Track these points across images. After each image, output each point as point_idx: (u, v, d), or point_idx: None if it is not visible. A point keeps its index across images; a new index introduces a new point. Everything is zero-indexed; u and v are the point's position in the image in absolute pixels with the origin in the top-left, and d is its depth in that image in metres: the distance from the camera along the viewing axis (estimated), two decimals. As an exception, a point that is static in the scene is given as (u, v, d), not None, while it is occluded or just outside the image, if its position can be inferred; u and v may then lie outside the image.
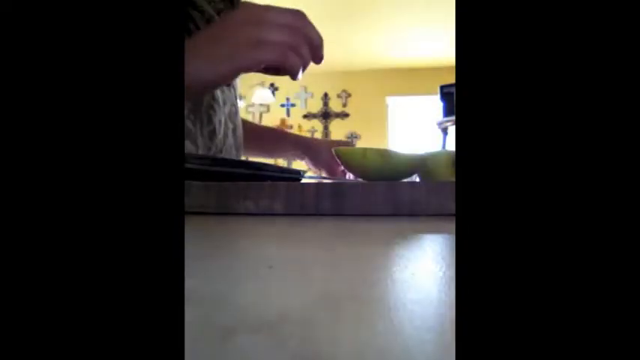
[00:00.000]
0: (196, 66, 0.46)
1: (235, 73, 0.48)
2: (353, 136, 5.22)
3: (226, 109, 0.73)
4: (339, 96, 5.22)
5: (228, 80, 0.50)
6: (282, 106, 5.27)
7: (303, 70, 0.49)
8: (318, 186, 0.36)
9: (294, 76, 0.49)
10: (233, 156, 0.74)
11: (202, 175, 0.45)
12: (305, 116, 5.27)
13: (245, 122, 0.89)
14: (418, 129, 5.03)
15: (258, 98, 4.75)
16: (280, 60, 0.47)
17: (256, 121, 4.88)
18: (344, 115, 5.22)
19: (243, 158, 0.84)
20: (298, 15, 0.48)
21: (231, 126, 0.75)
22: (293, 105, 5.29)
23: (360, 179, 0.49)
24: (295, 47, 0.47)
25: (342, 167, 0.69)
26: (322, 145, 0.85)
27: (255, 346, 0.09)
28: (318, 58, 0.50)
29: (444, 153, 0.51)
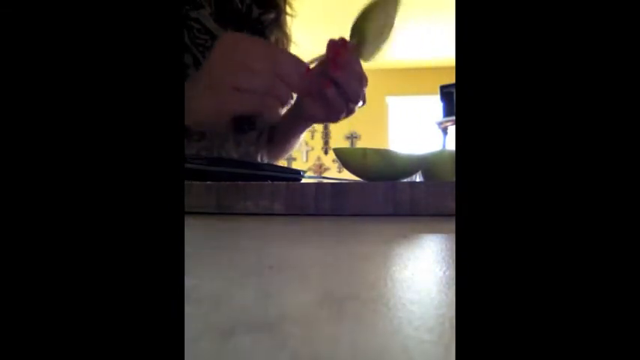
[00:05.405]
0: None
1: (219, 122, 0.49)
2: (353, 136, 5.21)
3: (241, 149, 0.73)
4: (339, 96, 5.21)
5: (216, 128, 0.49)
6: (282, 106, 5.27)
7: (284, 106, 0.48)
8: (318, 186, 0.36)
9: (273, 119, 0.48)
10: None
11: (202, 175, 0.45)
12: (305, 116, 5.27)
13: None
14: (418, 129, 5.03)
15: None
16: (256, 110, 0.46)
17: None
18: (344, 115, 5.22)
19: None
20: (271, 54, 0.46)
21: None
22: (293, 105, 5.28)
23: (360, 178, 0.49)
24: (270, 91, 0.46)
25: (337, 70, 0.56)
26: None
27: (254, 345, 0.09)
28: (299, 93, 0.49)
29: (447, 152, 0.51)
